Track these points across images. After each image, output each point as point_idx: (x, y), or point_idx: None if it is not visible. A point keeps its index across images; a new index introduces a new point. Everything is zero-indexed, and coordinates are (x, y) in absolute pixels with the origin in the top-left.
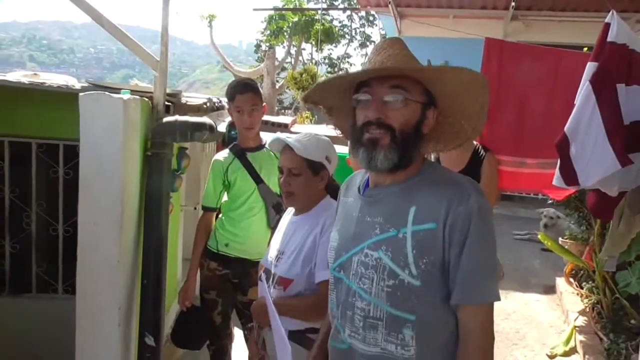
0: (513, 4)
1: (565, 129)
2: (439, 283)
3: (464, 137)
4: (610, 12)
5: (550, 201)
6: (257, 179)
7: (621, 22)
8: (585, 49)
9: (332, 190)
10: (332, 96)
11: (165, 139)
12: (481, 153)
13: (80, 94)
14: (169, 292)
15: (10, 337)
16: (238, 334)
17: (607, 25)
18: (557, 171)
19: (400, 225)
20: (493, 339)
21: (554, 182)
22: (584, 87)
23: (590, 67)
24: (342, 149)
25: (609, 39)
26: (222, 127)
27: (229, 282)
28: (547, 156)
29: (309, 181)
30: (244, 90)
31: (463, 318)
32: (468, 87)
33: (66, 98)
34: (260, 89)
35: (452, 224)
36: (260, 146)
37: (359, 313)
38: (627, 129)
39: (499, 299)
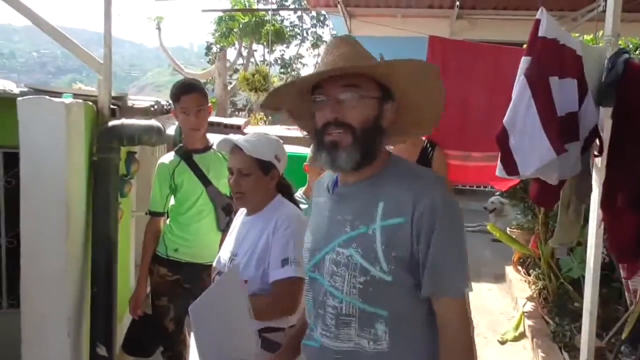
0: (458, 3)
1: (504, 121)
2: (408, 277)
3: (426, 125)
4: (540, 9)
5: (497, 193)
6: (205, 181)
7: (550, 18)
8: (525, 45)
9: (284, 189)
10: (290, 100)
11: (111, 143)
12: (429, 148)
13: (19, 98)
14: (121, 300)
15: None
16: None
17: (538, 22)
18: (499, 162)
19: (370, 222)
20: (470, 328)
21: (497, 173)
22: (520, 80)
23: (524, 62)
24: (297, 149)
25: (540, 34)
26: (171, 130)
27: (181, 287)
28: (491, 149)
29: (259, 181)
30: (188, 90)
31: (439, 310)
32: (422, 77)
33: (4, 104)
34: (205, 89)
35: (419, 218)
36: (208, 147)
37: (331, 312)
38: (562, 120)
39: (470, 289)
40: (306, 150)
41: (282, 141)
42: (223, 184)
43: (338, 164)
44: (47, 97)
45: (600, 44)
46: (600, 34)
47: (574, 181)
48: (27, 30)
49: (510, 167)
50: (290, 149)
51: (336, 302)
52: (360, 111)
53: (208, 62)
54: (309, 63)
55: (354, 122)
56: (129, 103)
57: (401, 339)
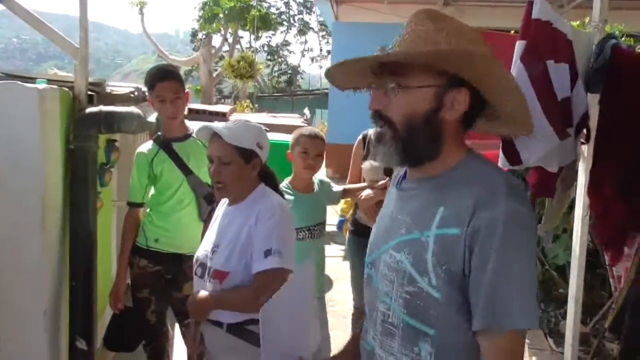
0: None
1: None
2: (459, 297)
3: (515, 119)
4: None
5: None
6: (186, 170)
7: (543, 0)
8: (513, 31)
9: (267, 178)
10: (352, 77)
11: (89, 130)
12: None
13: None
14: (102, 293)
15: None
16: (176, 331)
17: (531, 4)
18: (500, 152)
19: (425, 228)
20: None
21: (499, 164)
22: (516, 65)
23: (519, 46)
24: (283, 137)
25: (533, 16)
26: (153, 118)
27: (162, 278)
28: (490, 137)
29: (241, 170)
30: (164, 77)
31: (484, 346)
32: (487, 64)
33: None
34: (182, 75)
35: (474, 232)
36: (187, 135)
37: (380, 316)
38: (560, 105)
39: (534, 325)
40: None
41: (266, 129)
42: (204, 173)
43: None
44: (19, 82)
45: (587, 30)
46: (587, 20)
47: (565, 169)
48: (7, 16)
49: (513, 156)
50: (276, 136)
51: (384, 308)
52: (405, 104)
53: (193, 49)
54: (296, 50)
55: (394, 116)
56: (108, 89)
57: None
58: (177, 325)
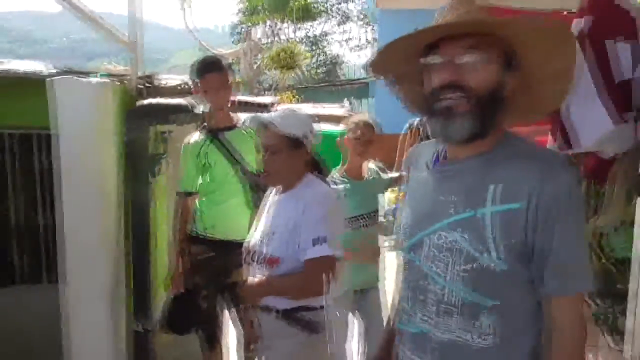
0: None
1: None
2: (520, 268)
3: (544, 107)
4: None
5: None
6: (233, 160)
7: None
8: (565, 12)
9: (315, 167)
10: (395, 63)
11: (141, 122)
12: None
13: (48, 79)
14: (157, 278)
15: None
16: (226, 317)
17: None
18: (550, 137)
19: (478, 205)
20: (586, 330)
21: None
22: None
23: (576, 24)
24: (329, 127)
25: None
26: (200, 109)
27: (213, 265)
28: (540, 123)
29: (289, 158)
30: (209, 69)
31: (556, 310)
32: (553, 44)
33: (34, 85)
34: (228, 65)
35: (538, 206)
36: (234, 125)
37: (432, 297)
38: (618, 87)
39: (592, 287)
40: (338, 128)
41: (315, 119)
42: (252, 162)
43: (450, 132)
44: (75, 77)
45: None
46: None
47: (622, 156)
48: (59, 17)
49: (564, 141)
50: (322, 127)
51: (437, 288)
52: (483, 76)
53: (233, 42)
54: (336, 40)
55: (474, 86)
56: (158, 82)
57: (509, 335)
58: (227, 311)
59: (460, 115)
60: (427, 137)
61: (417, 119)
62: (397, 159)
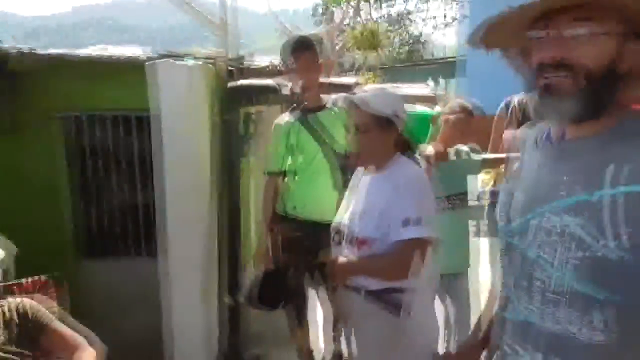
0: None
1: None
2: None
3: None
4: None
5: None
6: (321, 140)
7: None
8: None
9: (405, 146)
10: (502, 37)
11: (230, 104)
12: None
13: (148, 63)
14: (245, 255)
15: (102, 296)
16: (312, 295)
17: None
18: None
19: (595, 188)
20: None
21: None
22: None
23: None
24: (417, 108)
25: None
26: (287, 90)
27: (300, 244)
28: None
29: (379, 138)
30: (300, 48)
31: None
32: None
33: (134, 69)
34: (318, 46)
35: None
36: (322, 106)
37: (538, 285)
38: None
39: None
40: (425, 109)
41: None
42: (339, 143)
43: (555, 113)
44: (171, 60)
45: None
46: None
47: None
48: (148, 4)
49: None
50: (409, 107)
51: (544, 276)
52: (591, 51)
53: (314, 24)
54: (417, 19)
55: (581, 63)
56: (246, 64)
57: (625, 333)
58: (314, 290)
59: (562, 96)
60: (528, 118)
61: (516, 98)
62: (491, 138)
